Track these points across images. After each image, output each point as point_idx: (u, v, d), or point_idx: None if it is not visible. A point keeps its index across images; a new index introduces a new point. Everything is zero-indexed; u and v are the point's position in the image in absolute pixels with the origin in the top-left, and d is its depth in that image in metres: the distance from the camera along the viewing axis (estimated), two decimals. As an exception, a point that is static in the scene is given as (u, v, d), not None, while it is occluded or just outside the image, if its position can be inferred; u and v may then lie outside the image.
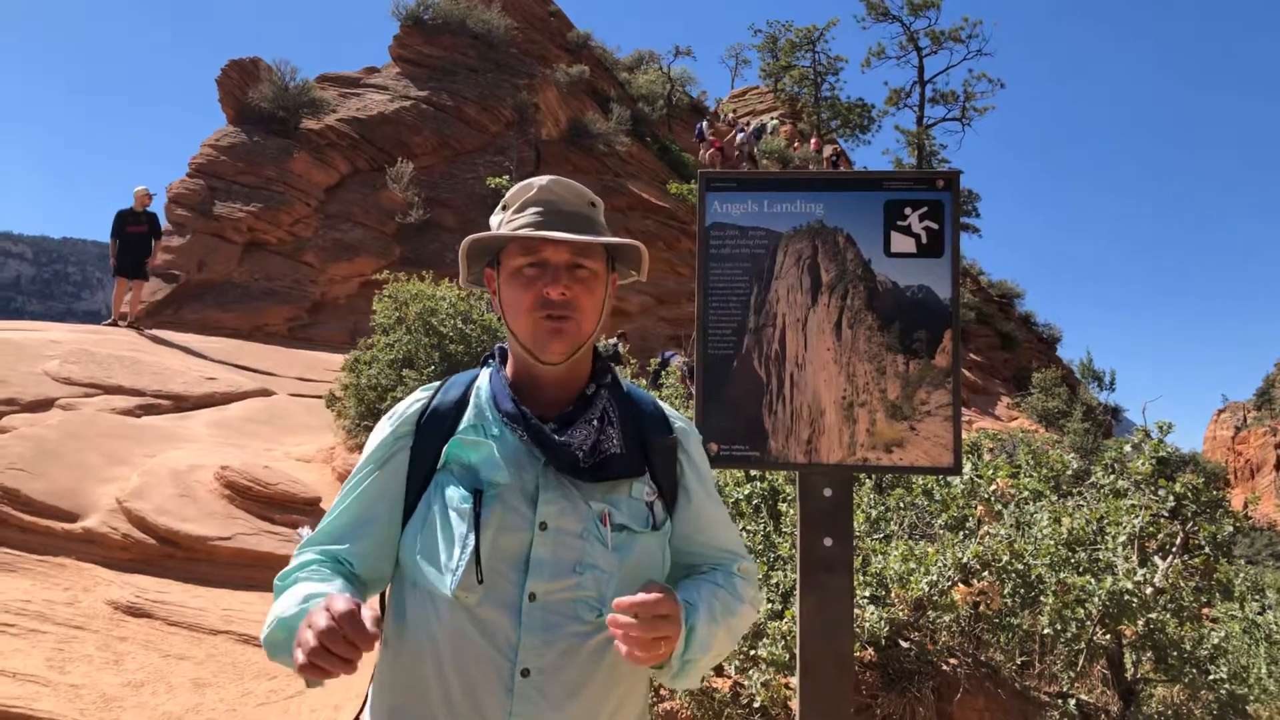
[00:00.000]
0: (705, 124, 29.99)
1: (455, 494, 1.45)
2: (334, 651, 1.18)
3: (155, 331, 13.10)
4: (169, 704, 4.37)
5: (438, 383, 1.64)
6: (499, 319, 1.63)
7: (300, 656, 1.21)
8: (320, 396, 9.97)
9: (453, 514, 1.44)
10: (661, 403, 1.72)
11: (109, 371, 9.45)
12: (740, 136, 29.55)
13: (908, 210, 2.96)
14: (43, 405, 8.09)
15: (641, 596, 1.35)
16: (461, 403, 1.57)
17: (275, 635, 1.37)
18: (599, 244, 1.55)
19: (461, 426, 1.53)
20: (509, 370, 1.60)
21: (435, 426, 1.54)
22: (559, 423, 1.51)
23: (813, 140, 34.19)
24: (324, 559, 1.50)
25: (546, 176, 1.60)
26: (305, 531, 1.59)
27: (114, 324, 12.78)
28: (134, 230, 12.74)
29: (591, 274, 1.54)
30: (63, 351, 9.62)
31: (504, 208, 1.61)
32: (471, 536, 1.40)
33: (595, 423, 1.53)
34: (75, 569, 5.75)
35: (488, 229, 1.63)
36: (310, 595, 1.37)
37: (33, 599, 5.20)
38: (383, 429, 1.58)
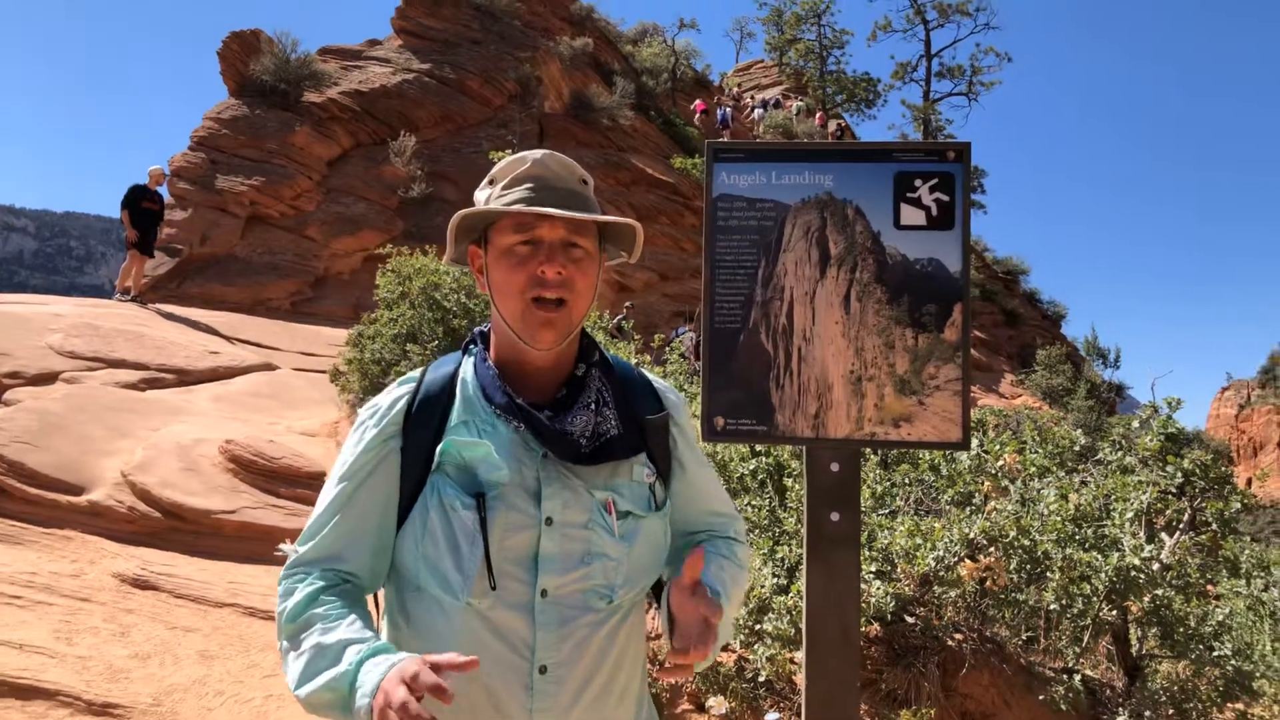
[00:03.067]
0: (730, 110, 29.61)
1: (455, 498, 1.39)
2: None
3: (158, 305, 13.09)
4: (176, 675, 4.38)
5: (416, 373, 1.54)
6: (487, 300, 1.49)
7: None
8: (324, 371, 9.96)
9: (455, 519, 1.38)
10: (646, 372, 1.69)
11: (112, 345, 9.44)
12: (758, 113, 29.43)
13: (918, 182, 2.91)
14: (47, 379, 8.09)
15: (700, 631, 1.37)
16: (447, 395, 1.48)
17: (322, 695, 1.28)
18: (597, 222, 1.49)
19: (452, 423, 1.45)
20: (493, 353, 1.53)
21: (423, 423, 1.45)
22: (553, 408, 1.46)
23: (818, 115, 33.95)
24: (329, 582, 1.42)
25: (539, 151, 1.53)
26: (291, 548, 1.47)
27: (135, 299, 12.85)
28: (148, 206, 12.94)
29: (586, 254, 1.49)
30: (66, 325, 9.60)
31: (491, 182, 1.53)
32: (479, 542, 1.36)
33: (592, 407, 1.49)
34: (81, 541, 5.77)
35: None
36: (347, 643, 1.30)
37: (39, 571, 5.22)
38: (366, 431, 1.47)
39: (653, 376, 1.68)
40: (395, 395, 1.50)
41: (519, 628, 1.37)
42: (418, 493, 1.42)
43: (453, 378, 1.51)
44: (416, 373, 1.54)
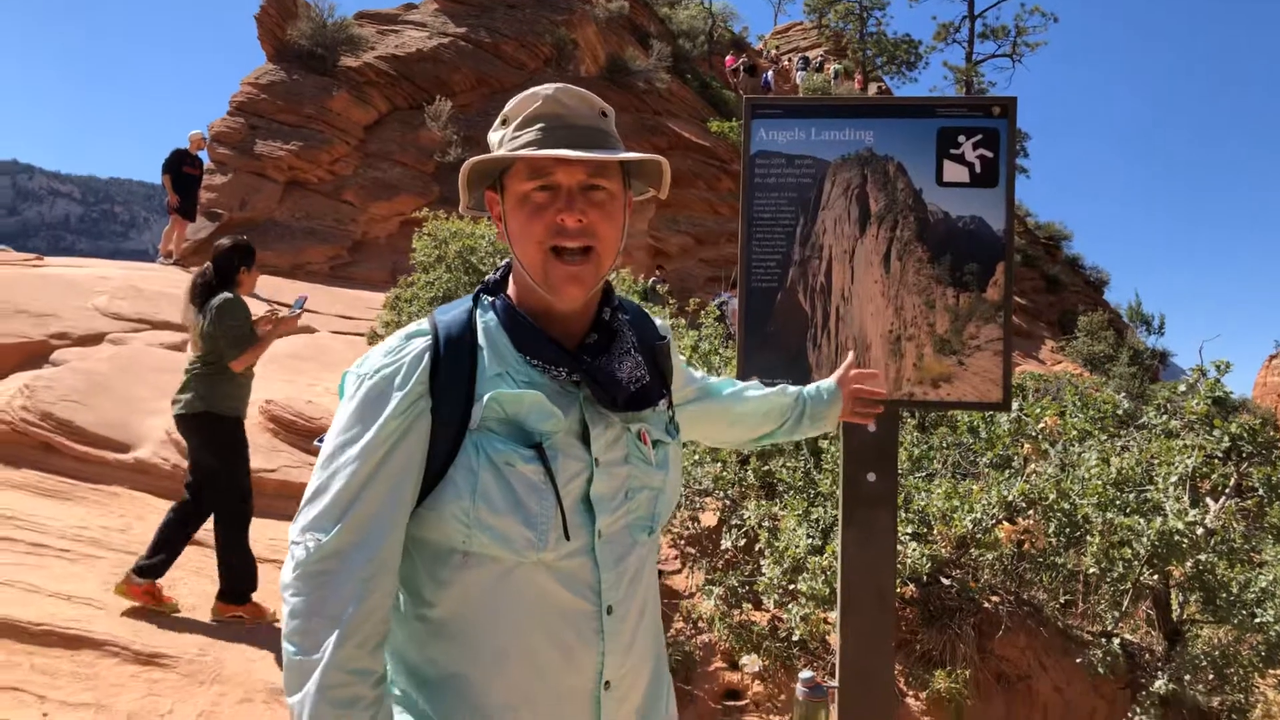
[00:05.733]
0: (771, 75, 29.39)
1: (512, 452, 1.30)
2: None
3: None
4: (219, 628, 4.49)
5: (423, 324, 1.40)
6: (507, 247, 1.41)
7: None
8: (362, 334, 10.06)
9: (513, 474, 1.30)
10: (633, 301, 1.67)
11: (156, 307, 9.59)
12: (799, 75, 29.06)
13: (961, 138, 2.86)
14: (93, 340, 8.26)
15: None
16: (470, 346, 1.37)
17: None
18: (617, 161, 1.38)
19: (485, 375, 1.34)
20: (515, 300, 1.44)
21: (454, 380, 1.33)
22: (590, 354, 1.41)
23: (857, 78, 33.38)
24: (374, 645, 1.29)
25: (552, 85, 1.40)
26: (309, 536, 1.29)
27: (178, 263, 13.06)
28: (189, 171, 13.11)
29: (609, 196, 1.39)
30: (112, 287, 9.78)
31: (504, 122, 1.42)
32: (549, 494, 1.31)
33: (631, 352, 1.45)
34: (128, 497, 5.91)
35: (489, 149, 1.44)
36: None
37: (88, 525, 5.35)
38: (387, 393, 1.31)
39: (639, 304, 1.67)
40: (413, 350, 1.34)
41: (585, 573, 1.35)
42: (452, 456, 1.31)
43: (468, 327, 1.39)
44: (423, 324, 1.40)
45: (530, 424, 1.33)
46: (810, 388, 2.04)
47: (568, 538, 1.32)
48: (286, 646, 1.26)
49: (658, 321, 1.65)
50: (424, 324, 1.39)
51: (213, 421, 4.64)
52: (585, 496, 1.37)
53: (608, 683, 1.37)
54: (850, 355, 2.29)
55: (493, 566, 1.31)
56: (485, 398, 1.32)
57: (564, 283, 1.36)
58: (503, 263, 1.52)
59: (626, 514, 1.41)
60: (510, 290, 1.46)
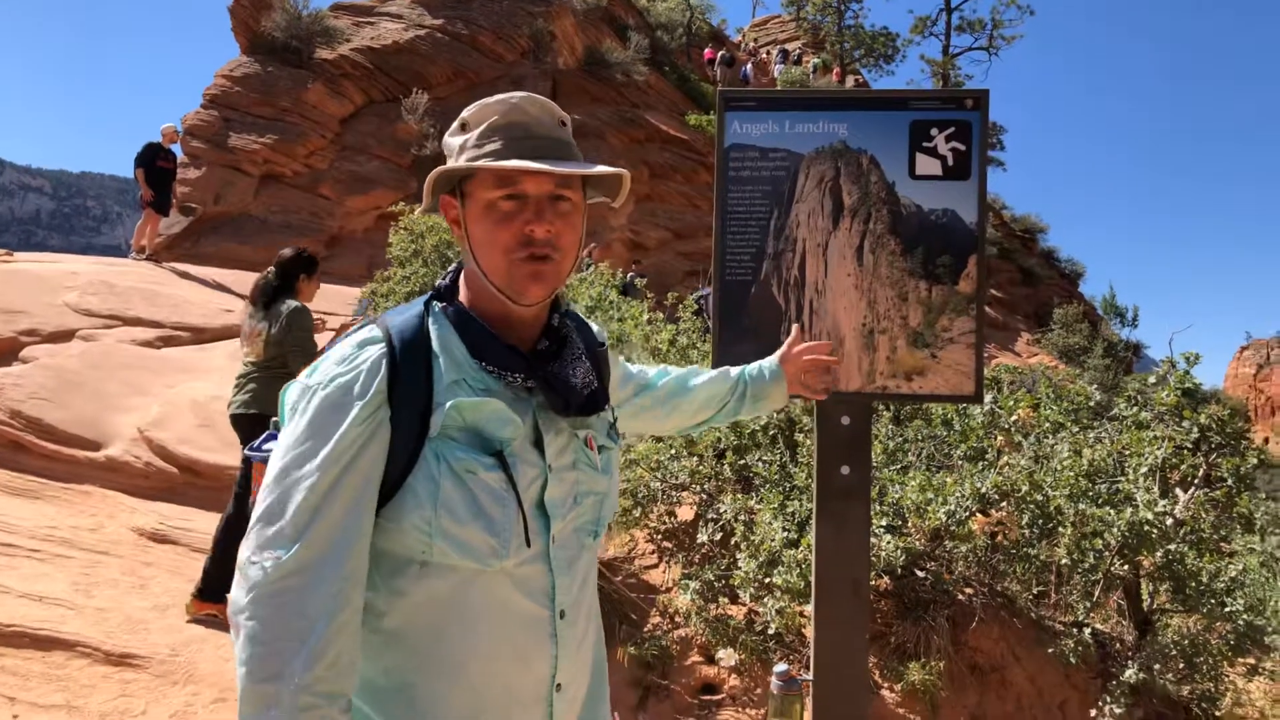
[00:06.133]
0: (750, 68, 29.43)
1: (473, 460, 1.30)
2: None
3: (173, 264, 13.12)
4: (193, 627, 4.45)
5: (373, 331, 1.36)
6: (462, 252, 1.44)
7: None
8: (337, 330, 9.98)
9: (475, 482, 1.30)
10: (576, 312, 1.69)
11: (128, 303, 9.48)
12: (778, 69, 29.11)
13: (934, 131, 2.86)
14: (63, 336, 8.15)
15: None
16: (425, 354, 1.35)
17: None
18: (590, 175, 1.41)
19: (442, 383, 1.33)
20: (468, 304, 1.44)
21: (411, 388, 1.31)
22: (540, 360, 1.43)
23: (834, 71, 33.46)
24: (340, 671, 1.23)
25: (517, 94, 1.43)
26: (266, 555, 1.22)
27: (150, 258, 12.90)
28: (163, 165, 12.93)
29: (573, 206, 1.41)
30: (82, 283, 9.65)
31: (464, 127, 1.42)
32: (511, 501, 1.32)
33: (581, 358, 1.47)
34: (100, 496, 5.84)
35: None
36: None
37: (59, 525, 5.29)
38: (345, 402, 1.27)
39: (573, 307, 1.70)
40: (369, 358, 1.31)
41: (540, 578, 1.37)
42: (410, 466, 1.29)
43: (422, 333, 1.37)
44: (373, 331, 1.36)
45: (490, 431, 1.33)
46: (752, 367, 2.12)
47: (528, 544, 1.33)
48: (243, 674, 1.18)
49: (594, 327, 1.69)
50: (374, 331, 1.36)
51: (266, 424, 4.63)
52: (540, 503, 1.38)
53: (559, 685, 1.39)
54: (795, 330, 2.35)
55: (451, 576, 1.31)
56: (445, 405, 1.30)
57: (528, 281, 1.37)
58: (450, 268, 1.51)
59: (575, 519, 1.44)
60: (463, 296, 1.45)
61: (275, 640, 1.18)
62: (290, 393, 1.34)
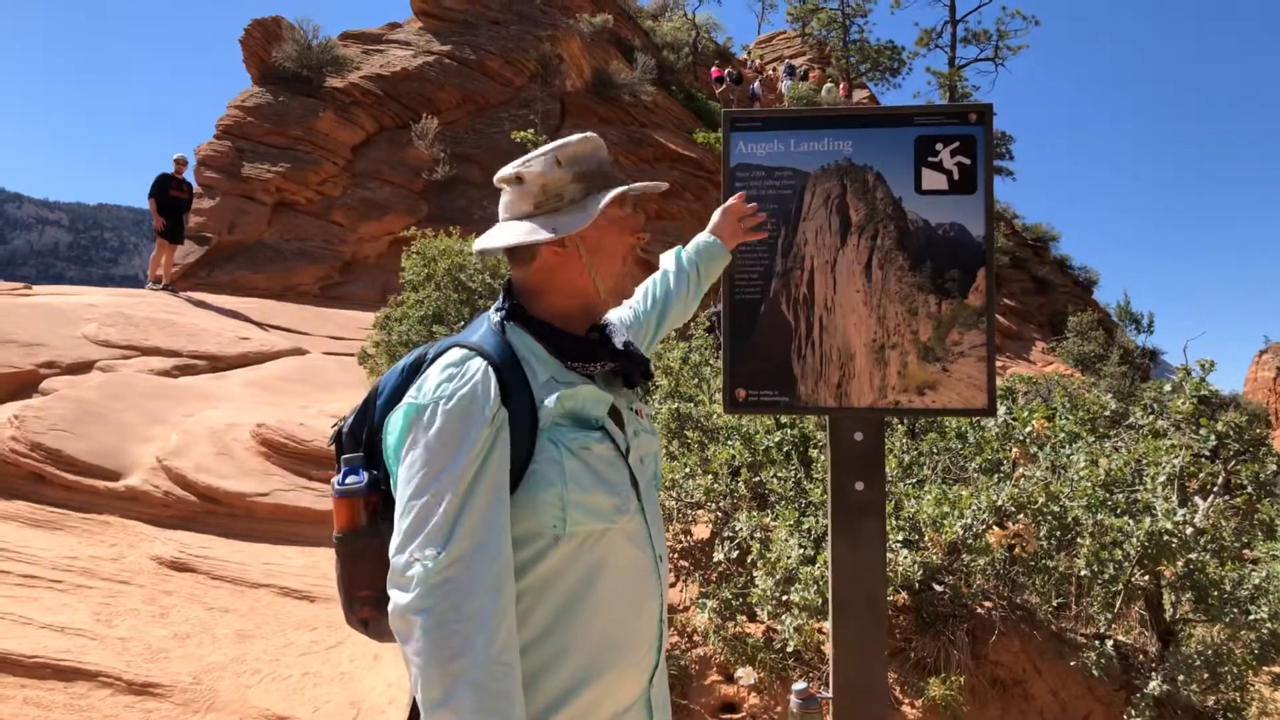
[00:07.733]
0: (758, 85, 29.54)
1: (584, 438, 1.54)
2: None
3: (189, 293, 13.25)
4: (214, 654, 4.47)
5: (466, 348, 1.54)
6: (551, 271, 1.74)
7: None
8: (353, 354, 10.04)
9: (591, 456, 1.54)
10: None
11: (145, 333, 9.58)
12: (785, 84, 29.17)
13: (939, 146, 2.87)
14: (82, 367, 8.23)
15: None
16: (516, 361, 1.56)
17: None
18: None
19: (539, 382, 1.55)
20: (548, 313, 1.67)
21: (518, 392, 1.52)
22: (604, 345, 1.73)
23: (842, 85, 33.53)
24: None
25: (594, 138, 1.76)
26: (426, 552, 1.36)
27: (167, 288, 13.04)
28: (175, 195, 13.14)
29: None
30: (100, 315, 9.75)
31: (559, 164, 1.68)
32: (623, 466, 1.59)
33: (621, 332, 1.78)
34: (119, 526, 5.88)
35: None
36: None
37: (79, 555, 5.33)
38: (472, 411, 1.44)
39: None
40: (477, 369, 1.49)
41: (640, 529, 1.63)
42: (529, 454, 1.50)
43: (508, 345, 1.58)
44: (460, 350, 1.53)
45: (588, 412, 1.58)
46: (689, 250, 2.41)
47: (639, 498, 1.62)
48: (423, 662, 1.32)
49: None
50: (461, 350, 1.54)
51: None
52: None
53: (661, 619, 1.66)
54: (726, 204, 2.60)
55: (579, 540, 1.52)
56: (550, 399, 1.53)
57: (628, 282, 1.77)
58: (504, 286, 1.73)
59: (651, 476, 1.73)
60: (541, 308, 1.67)
61: (453, 622, 1.34)
62: (402, 415, 1.48)
